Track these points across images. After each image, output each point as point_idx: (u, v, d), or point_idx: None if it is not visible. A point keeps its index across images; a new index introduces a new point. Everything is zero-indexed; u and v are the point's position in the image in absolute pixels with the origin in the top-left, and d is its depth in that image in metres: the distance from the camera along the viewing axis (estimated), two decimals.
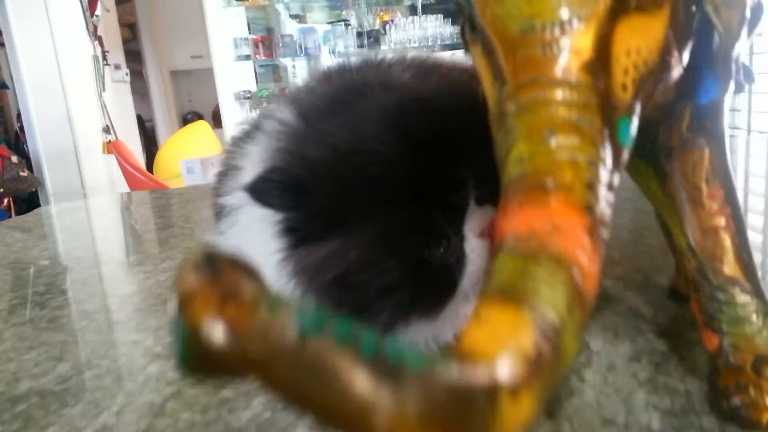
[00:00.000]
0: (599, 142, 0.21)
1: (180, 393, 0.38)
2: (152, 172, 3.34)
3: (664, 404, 0.32)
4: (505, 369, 0.15)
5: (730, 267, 0.31)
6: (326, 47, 4.70)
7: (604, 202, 0.20)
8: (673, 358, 0.37)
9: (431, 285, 0.36)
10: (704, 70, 0.29)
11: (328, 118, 0.39)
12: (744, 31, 0.29)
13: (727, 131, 0.32)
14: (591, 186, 0.20)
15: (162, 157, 3.45)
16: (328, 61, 4.80)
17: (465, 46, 0.33)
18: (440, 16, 4.15)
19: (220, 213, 0.45)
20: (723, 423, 0.30)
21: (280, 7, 4.74)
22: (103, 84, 4.54)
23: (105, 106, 4.46)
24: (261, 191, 0.35)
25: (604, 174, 0.21)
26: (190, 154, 3.17)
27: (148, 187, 2.33)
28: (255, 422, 0.34)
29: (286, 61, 4.92)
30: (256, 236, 0.39)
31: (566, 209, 0.19)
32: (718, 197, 0.31)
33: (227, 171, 0.45)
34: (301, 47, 4.71)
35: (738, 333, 0.30)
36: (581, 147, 0.20)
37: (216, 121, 5.59)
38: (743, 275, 0.30)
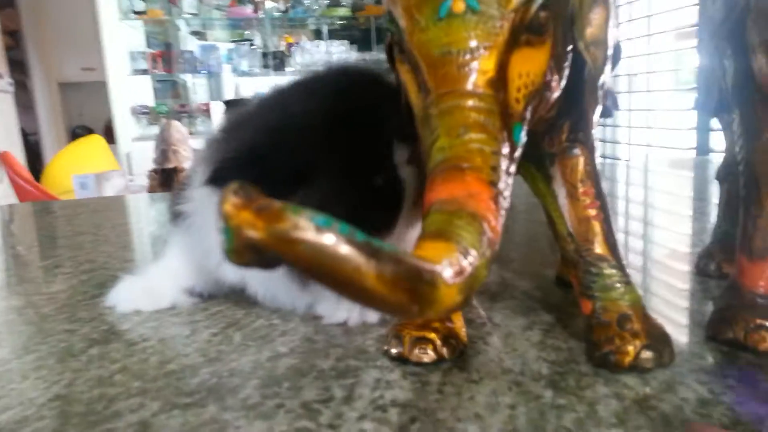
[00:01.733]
0: (500, 139, 0.28)
1: (127, 368, 0.41)
2: None
3: (551, 357, 0.40)
4: (443, 268, 0.22)
5: (599, 247, 0.39)
6: (229, 66, 4.68)
7: (504, 181, 0.27)
8: (558, 326, 0.45)
9: (381, 207, 0.45)
10: (578, 94, 0.37)
11: (262, 112, 0.48)
12: (608, 66, 0.38)
13: (597, 143, 0.41)
14: (494, 168, 0.27)
15: (52, 171, 3.28)
16: (230, 79, 4.78)
17: (391, 63, 0.40)
18: (346, 41, 4.26)
19: (176, 216, 0.52)
20: (596, 368, 0.38)
21: (180, 23, 4.66)
22: None
23: None
24: (218, 179, 0.42)
25: (503, 161, 0.28)
26: (82, 169, 3.04)
27: (33, 197, 2.23)
28: (205, 386, 0.38)
29: (185, 77, 4.84)
30: (212, 223, 0.45)
31: (477, 183, 0.26)
32: (590, 194, 0.40)
33: (185, 184, 0.51)
34: (202, 64, 4.65)
35: (606, 297, 0.38)
36: (487, 141, 0.28)
37: (108, 135, 5.38)
38: (609, 253, 0.39)
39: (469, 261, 0.23)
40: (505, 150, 0.28)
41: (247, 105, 0.50)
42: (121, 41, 4.40)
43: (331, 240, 0.19)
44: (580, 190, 0.40)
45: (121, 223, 0.99)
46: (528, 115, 0.31)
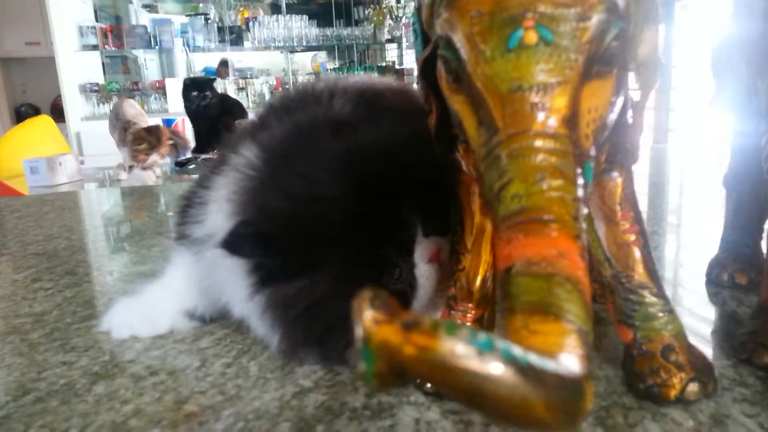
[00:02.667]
0: (576, 183, 0.26)
1: (141, 410, 0.38)
2: None
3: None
4: (583, 364, 0.20)
5: (640, 274, 0.38)
6: (181, 40, 4.52)
7: (584, 231, 0.25)
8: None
9: None
10: (621, 116, 0.36)
11: (286, 164, 0.43)
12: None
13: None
14: (576, 219, 0.25)
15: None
16: (182, 55, 4.63)
17: (425, 82, 0.37)
18: (305, 16, 4.16)
19: (184, 237, 0.48)
20: (640, 400, 0.37)
21: None
22: None
23: None
24: (233, 245, 0.40)
25: (581, 209, 0.26)
26: (32, 152, 2.90)
27: None
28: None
29: (137, 53, 4.66)
30: (224, 271, 0.43)
31: (565, 239, 0.24)
32: (628, 217, 0.38)
33: (192, 200, 0.47)
34: (154, 39, 4.48)
35: (649, 327, 0.37)
36: (567, 188, 0.25)
37: (56, 114, 5.15)
38: (650, 280, 0.38)
39: (586, 341, 0.21)
40: (581, 194, 0.26)
41: (278, 143, 0.45)
42: (69, 14, 4.19)
43: (498, 369, 0.17)
44: (619, 213, 0.38)
45: (94, 224, 0.94)
46: (594, 151, 0.29)
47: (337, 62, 4.64)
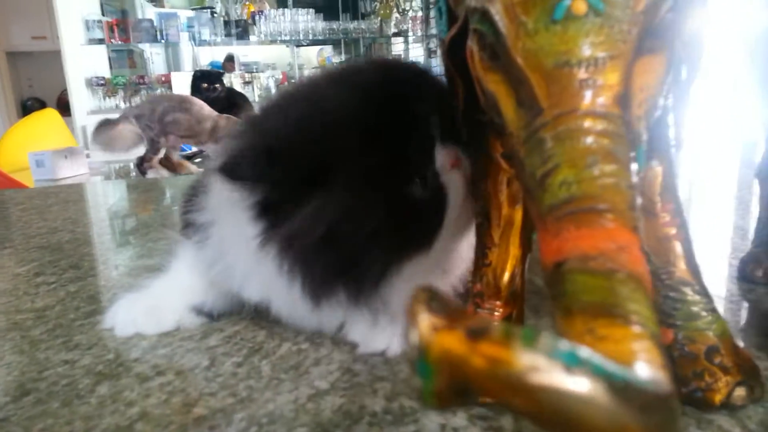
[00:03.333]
0: (631, 169, 0.23)
1: (147, 413, 0.36)
2: None
3: None
4: (668, 377, 0.17)
5: (681, 270, 0.35)
6: (187, 34, 4.50)
7: (641, 221, 0.23)
8: None
9: (418, 221, 0.38)
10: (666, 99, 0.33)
11: (286, 100, 0.42)
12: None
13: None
14: (632, 207, 0.23)
15: (5, 148, 3.11)
16: (188, 49, 4.60)
17: (449, 61, 0.34)
18: (311, 10, 4.13)
19: (188, 226, 0.47)
20: (683, 406, 0.34)
21: None
22: None
23: None
24: (231, 168, 0.36)
25: (637, 197, 0.23)
26: (38, 145, 2.89)
27: None
28: None
29: (143, 47, 4.64)
30: (233, 235, 0.41)
31: (622, 230, 0.21)
32: (669, 209, 0.36)
33: (197, 189, 0.45)
34: (161, 33, 4.46)
35: (691, 327, 0.34)
36: (621, 173, 0.23)
37: (62, 108, 5.13)
38: (692, 277, 0.35)
39: (663, 350, 0.18)
40: (635, 180, 0.23)
41: (274, 97, 0.44)
42: (75, 8, 4.17)
43: (591, 388, 0.14)
44: (659, 205, 0.36)
45: (99, 217, 0.92)
46: (646, 135, 0.26)
47: (343, 56, 4.60)
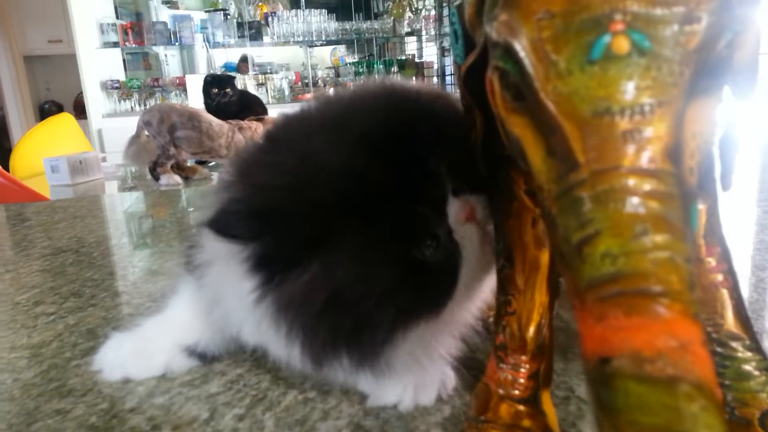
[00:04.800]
0: (687, 237, 0.20)
1: None
2: (8, 170, 3.02)
3: None
4: None
5: (730, 322, 0.31)
6: (201, 35, 4.51)
7: (698, 305, 0.19)
8: None
9: (429, 285, 0.34)
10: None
11: (279, 148, 0.37)
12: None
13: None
14: (691, 288, 0.19)
15: (21, 153, 3.12)
16: (202, 51, 4.60)
17: (467, 93, 0.31)
18: (324, 10, 4.11)
19: (189, 266, 0.44)
20: None
21: None
22: None
23: None
24: (222, 223, 0.33)
25: (694, 273, 0.20)
26: (53, 150, 2.89)
27: (9, 191, 2.09)
28: None
29: (158, 50, 4.64)
30: (228, 283, 0.37)
31: (682, 320, 0.18)
32: (715, 253, 0.32)
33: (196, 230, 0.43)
34: (175, 35, 4.46)
35: (743, 388, 0.31)
36: (675, 244, 0.19)
37: (78, 111, 5.16)
38: (743, 330, 0.31)
39: None
40: (692, 251, 0.20)
41: (264, 138, 0.40)
42: (90, 12, 4.19)
43: None
44: (703, 249, 0.32)
45: (103, 235, 0.89)
46: (697, 188, 0.22)
47: (356, 56, 4.57)
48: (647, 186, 0.20)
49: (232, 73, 4.10)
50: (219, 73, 2.31)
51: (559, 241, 0.22)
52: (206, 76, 2.10)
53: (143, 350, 0.44)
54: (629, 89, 0.20)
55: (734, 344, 0.31)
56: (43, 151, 2.89)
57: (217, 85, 1.98)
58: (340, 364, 0.34)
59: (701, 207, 0.32)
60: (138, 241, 0.87)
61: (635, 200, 0.20)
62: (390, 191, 0.33)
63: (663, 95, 0.20)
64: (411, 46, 4.54)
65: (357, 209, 0.33)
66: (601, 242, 0.20)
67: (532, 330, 0.33)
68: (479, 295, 0.39)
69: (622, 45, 0.20)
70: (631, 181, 0.20)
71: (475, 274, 0.36)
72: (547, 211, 0.23)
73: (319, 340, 0.33)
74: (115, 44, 4.40)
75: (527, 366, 0.33)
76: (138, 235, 0.91)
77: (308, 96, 4.28)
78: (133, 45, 4.47)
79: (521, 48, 0.22)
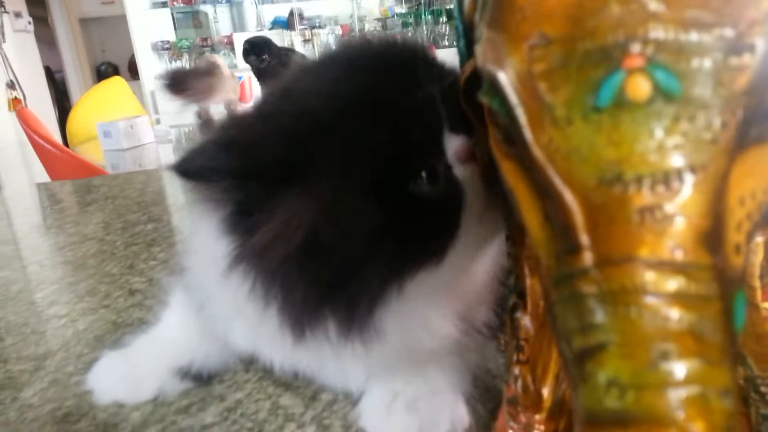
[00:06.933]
0: (725, 355, 0.14)
1: None
2: (65, 133, 3.10)
3: None
4: None
5: None
6: None
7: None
8: None
9: (426, 225, 0.29)
10: None
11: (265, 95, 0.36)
12: None
13: None
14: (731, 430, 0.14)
15: (75, 118, 3.19)
16: (251, 8, 4.55)
17: (488, 152, 0.25)
18: None
19: (180, 270, 0.43)
20: None
21: None
22: (3, 34, 4.14)
23: (7, 59, 4.08)
24: (185, 164, 0.29)
25: (735, 409, 0.14)
26: (106, 114, 2.95)
27: (59, 160, 2.13)
28: None
29: (206, 8, 4.62)
30: (208, 269, 0.34)
31: None
32: None
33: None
34: None
35: None
36: (709, 374, 0.14)
37: (133, 72, 5.23)
38: None
39: None
40: (735, 373, 0.15)
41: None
42: None
43: None
44: (759, 292, 0.26)
45: (132, 220, 0.88)
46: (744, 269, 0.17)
47: (404, 6, 4.42)
48: (673, 285, 0.14)
49: (274, 32, 4.05)
50: (256, 37, 2.24)
51: (559, 336, 0.17)
52: (243, 43, 2.05)
53: (133, 374, 0.41)
54: (650, 149, 0.15)
55: None
56: (97, 115, 2.94)
57: (253, 51, 1.93)
58: (325, 333, 0.29)
59: (759, 240, 0.26)
60: (164, 227, 0.85)
61: (655, 306, 0.14)
62: (379, 116, 0.28)
63: (697, 157, 0.15)
64: None
65: (340, 134, 0.28)
66: (607, 362, 0.15)
67: (548, 383, 0.28)
68: (486, 265, 0.33)
69: (641, 88, 0.15)
70: (650, 279, 0.15)
71: (480, 226, 0.31)
72: (546, 293, 0.18)
73: (298, 299, 0.29)
74: (164, 4, 4.40)
75: (542, 428, 0.28)
76: (165, 217, 0.90)
77: None
78: (182, 4, 4.46)
79: (508, 83, 0.17)
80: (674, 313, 0.14)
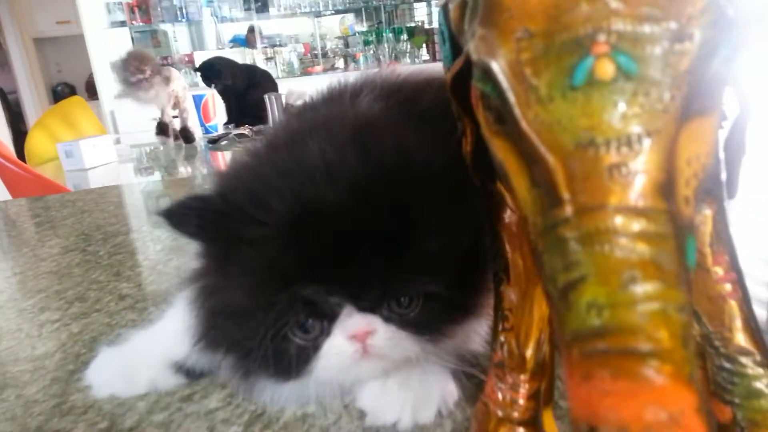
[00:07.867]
0: (682, 282, 0.18)
1: None
2: (22, 154, 3.04)
3: None
4: None
5: (740, 335, 0.30)
6: (208, 10, 4.47)
7: (697, 362, 0.18)
8: None
9: (288, 354, 0.35)
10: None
11: (271, 155, 0.37)
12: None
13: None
14: (686, 344, 0.17)
15: (34, 139, 3.13)
16: (210, 26, 4.55)
17: (457, 101, 0.29)
18: None
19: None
20: None
21: None
22: None
23: None
24: (173, 214, 0.35)
25: (691, 323, 0.18)
26: (66, 135, 2.91)
27: (22, 179, 2.10)
28: None
29: (165, 27, 4.61)
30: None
31: (674, 386, 0.16)
32: (723, 262, 0.30)
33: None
34: (181, 11, 4.43)
35: (753, 407, 0.29)
36: (668, 294, 0.18)
37: (90, 92, 5.15)
38: (754, 345, 0.29)
39: None
40: (689, 297, 0.18)
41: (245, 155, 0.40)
42: None
43: None
44: (710, 258, 0.30)
45: (112, 231, 0.89)
46: (694, 218, 0.20)
47: (365, 24, 4.49)
48: (636, 226, 0.18)
49: (235, 51, 4.05)
50: (204, 62, 2.25)
51: (546, 281, 0.20)
52: (199, 67, 2.10)
53: (127, 368, 0.43)
54: (615, 118, 0.19)
55: (744, 360, 0.29)
56: (57, 135, 2.89)
57: (205, 77, 1.98)
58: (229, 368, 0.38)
59: (707, 213, 0.30)
60: (145, 236, 0.86)
61: (623, 243, 0.18)
62: (306, 265, 0.32)
63: (653, 123, 0.19)
64: (420, 12, 4.44)
65: (281, 260, 0.32)
66: (586, 290, 0.18)
67: (531, 347, 0.32)
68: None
69: (606, 69, 0.19)
70: (619, 221, 0.18)
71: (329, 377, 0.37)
72: (534, 246, 0.21)
73: (211, 336, 0.37)
74: (123, 23, 4.37)
75: (527, 386, 0.32)
76: (146, 227, 0.91)
77: (318, 69, 4.23)
78: (141, 23, 4.44)
79: (499, 70, 0.20)
80: (639, 248, 0.18)
